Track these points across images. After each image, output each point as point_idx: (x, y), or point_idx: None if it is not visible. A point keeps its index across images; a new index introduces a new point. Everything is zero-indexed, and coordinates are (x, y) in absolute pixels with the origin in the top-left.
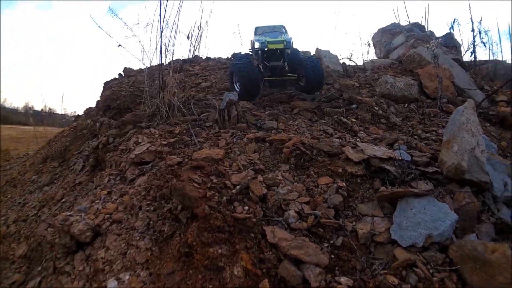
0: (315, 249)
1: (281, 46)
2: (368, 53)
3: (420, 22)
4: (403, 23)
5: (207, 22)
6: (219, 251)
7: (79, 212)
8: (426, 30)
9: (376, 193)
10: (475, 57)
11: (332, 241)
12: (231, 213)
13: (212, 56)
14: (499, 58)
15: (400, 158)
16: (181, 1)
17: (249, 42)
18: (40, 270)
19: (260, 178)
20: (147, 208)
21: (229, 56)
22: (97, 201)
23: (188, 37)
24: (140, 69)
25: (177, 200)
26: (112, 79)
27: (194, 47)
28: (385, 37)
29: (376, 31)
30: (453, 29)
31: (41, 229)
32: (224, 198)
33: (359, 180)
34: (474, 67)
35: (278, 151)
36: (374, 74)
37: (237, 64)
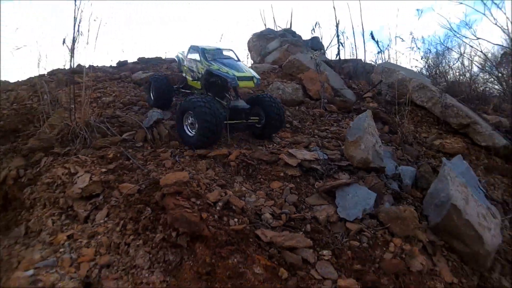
0: (301, 236)
1: (251, 84)
2: (248, 58)
3: (287, 26)
4: (269, 25)
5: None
6: (235, 260)
7: (47, 268)
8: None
9: (314, 187)
10: (339, 58)
11: (303, 229)
12: (228, 227)
13: (94, 65)
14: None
15: (322, 158)
16: None
17: (176, 59)
18: None
19: (230, 192)
20: (137, 243)
21: (114, 65)
22: (61, 249)
23: (63, 42)
24: (18, 81)
25: (181, 228)
26: None
27: (72, 54)
28: (261, 42)
29: (251, 36)
30: (314, 31)
31: None
32: (216, 216)
33: (298, 180)
34: (339, 66)
35: (226, 165)
36: (263, 81)
37: (198, 103)
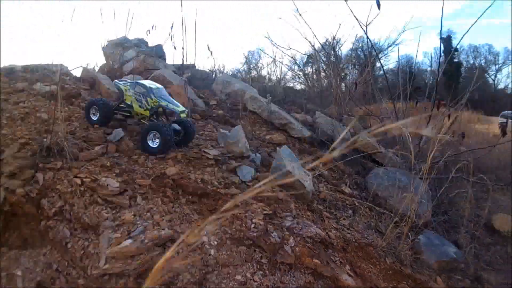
0: (234, 188)
1: (185, 115)
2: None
3: (127, 29)
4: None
5: None
6: (220, 200)
7: (141, 233)
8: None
9: (223, 168)
10: (182, 65)
11: (233, 186)
12: (209, 188)
13: None
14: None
15: (219, 153)
16: None
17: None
18: None
19: (196, 174)
20: (176, 205)
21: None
22: (137, 222)
23: None
24: None
25: (200, 191)
26: None
27: None
28: (118, 50)
29: (106, 43)
30: (149, 32)
31: None
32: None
33: (215, 166)
34: (181, 72)
35: (179, 161)
36: None
37: (162, 126)
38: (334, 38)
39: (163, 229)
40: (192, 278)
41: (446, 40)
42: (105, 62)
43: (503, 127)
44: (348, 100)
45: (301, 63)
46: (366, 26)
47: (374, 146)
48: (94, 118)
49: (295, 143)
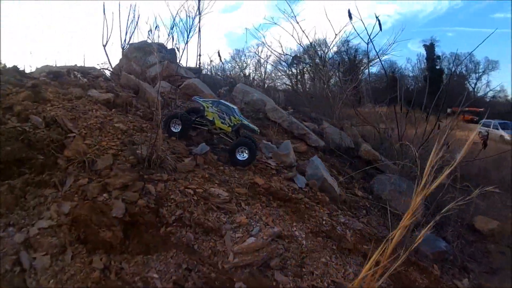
0: (298, 192)
1: (258, 132)
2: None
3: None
4: None
5: None
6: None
7: (258, 232)
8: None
9: (281, 176)
10: (199, 67)
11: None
12: (283, 191)
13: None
14: None
15: (275, 163)
16: None
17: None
18: None
19: (273, 181)
20: (272, 208)
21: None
22: (252, 223)
23: None
24: None
25: (282, 196)
26: None
27: None
28: (140, 54)
29: (128, 47)
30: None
31: None
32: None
33: (276, 174)
34: (200, 74)
35: (258, 168)
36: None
37: (250, 141)
38: (326, 46)
39: (273, 228)
40: (295, 262)
41: (429, 47)
42: (116, 64)
43: (484, 139)
44: (342, 107)
45: (286, 64)
46: (368, 43)
47: (375, 155)
48: (175, 130)
49: (314, 152)
